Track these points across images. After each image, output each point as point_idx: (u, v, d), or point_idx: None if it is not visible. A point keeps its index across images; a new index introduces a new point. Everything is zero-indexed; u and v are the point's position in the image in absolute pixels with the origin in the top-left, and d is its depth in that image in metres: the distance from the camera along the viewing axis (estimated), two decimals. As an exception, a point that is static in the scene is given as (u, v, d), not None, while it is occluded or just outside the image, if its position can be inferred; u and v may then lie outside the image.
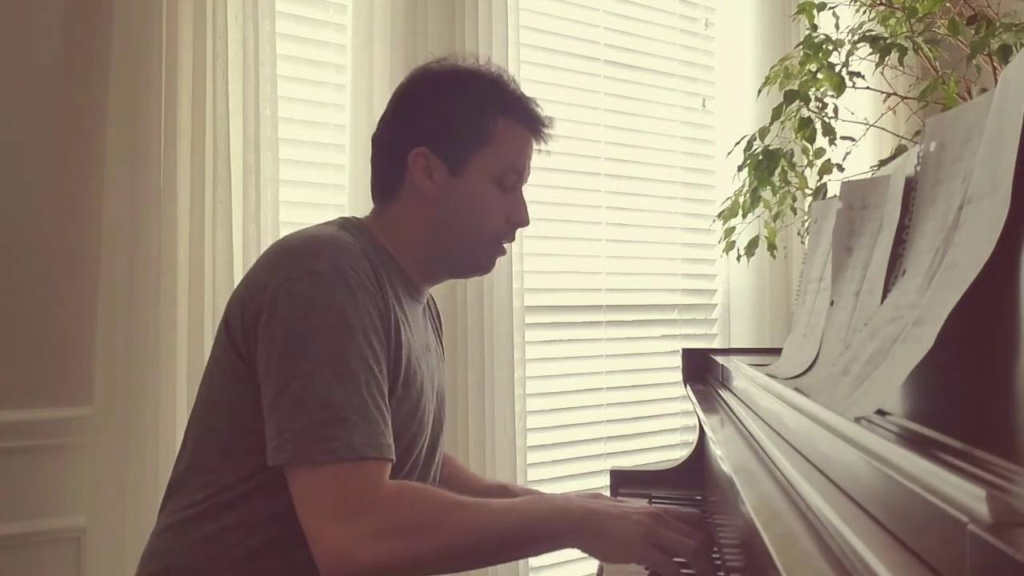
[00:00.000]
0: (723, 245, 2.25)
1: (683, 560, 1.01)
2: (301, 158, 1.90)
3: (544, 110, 1.26)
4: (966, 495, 0.41)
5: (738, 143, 2.19)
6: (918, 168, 0.79)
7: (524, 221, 1.23)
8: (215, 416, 1.09)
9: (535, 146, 1.25)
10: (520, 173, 1.22)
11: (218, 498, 1.07)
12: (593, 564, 1.20)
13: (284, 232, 1.70)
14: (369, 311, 1.03)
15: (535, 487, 2.20)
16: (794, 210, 2.16)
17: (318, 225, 1.19)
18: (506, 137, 1.20)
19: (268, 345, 1.02)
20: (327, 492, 0.96)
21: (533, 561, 2.14)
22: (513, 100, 1.22)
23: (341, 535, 0.94)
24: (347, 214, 1.85)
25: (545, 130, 1.25)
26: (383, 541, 0.94)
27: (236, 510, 1.05)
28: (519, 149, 1.22)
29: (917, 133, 2.23)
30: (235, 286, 1.59)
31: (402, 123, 1.22)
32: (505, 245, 1.25)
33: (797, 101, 1.99)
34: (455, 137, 1.18)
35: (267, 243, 1.67)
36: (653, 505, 1.08)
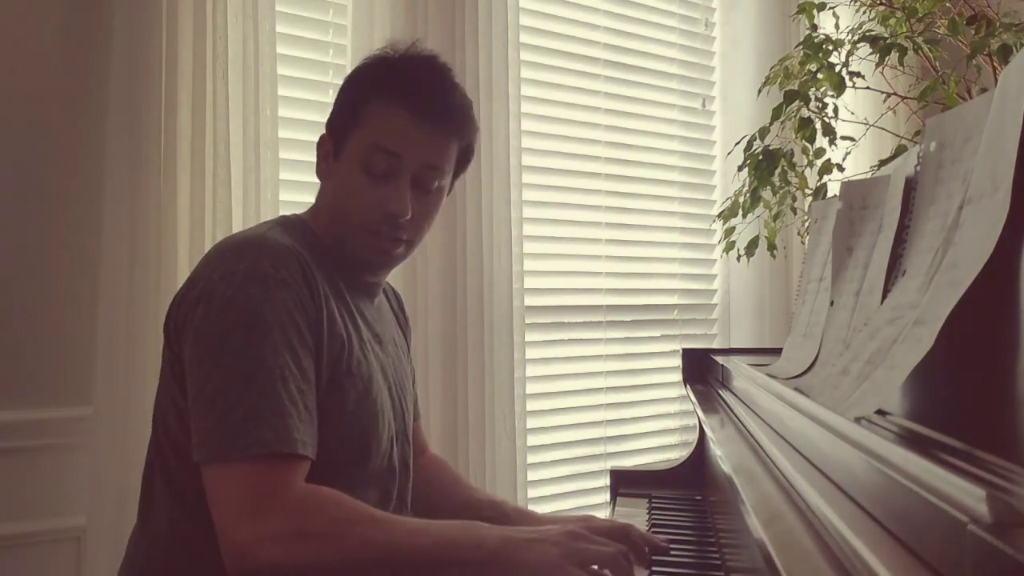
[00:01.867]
0: (723, 245, 2.25)
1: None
2: (301, 158, 1.90)
3: (438, 90, 1.15)
4: (966, 495, 0.41)
5: (738, 143, 2.19)
6: (918, 168, 0.79)
7: (395, 210, 1.12)
8: (166, 417, 1.10)
9: (430, 134, 1.14)
10: (395, 155, 1.12)
11: (180, 500, 1.07)
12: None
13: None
14: (288, 308, 1.03)
15: (535, 487, 2.22)
16: (794, 210, 2.16)
17: (256, 225, 1.21)
18: (375, 117, 1.13)
19: (191, 346, 1.03)
20: (235, 489, 0.96)
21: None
22: (392, 80, 1.14)
23: (245, 534, 0.94)
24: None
25: (438, 115, 1.14)
26: (284, 544, 0.94)
27: (200, 511, 1.04)
28: (389, 130, 1.12)
29: (917, 133, 2.23)
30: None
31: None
32: (398, 236, 1.15)
33: (797, 101, 1.99)
34: (336, 120, 1.18)
35: (267, 243, 1.67)
36: (577, 519, 1.07)
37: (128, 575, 1.12)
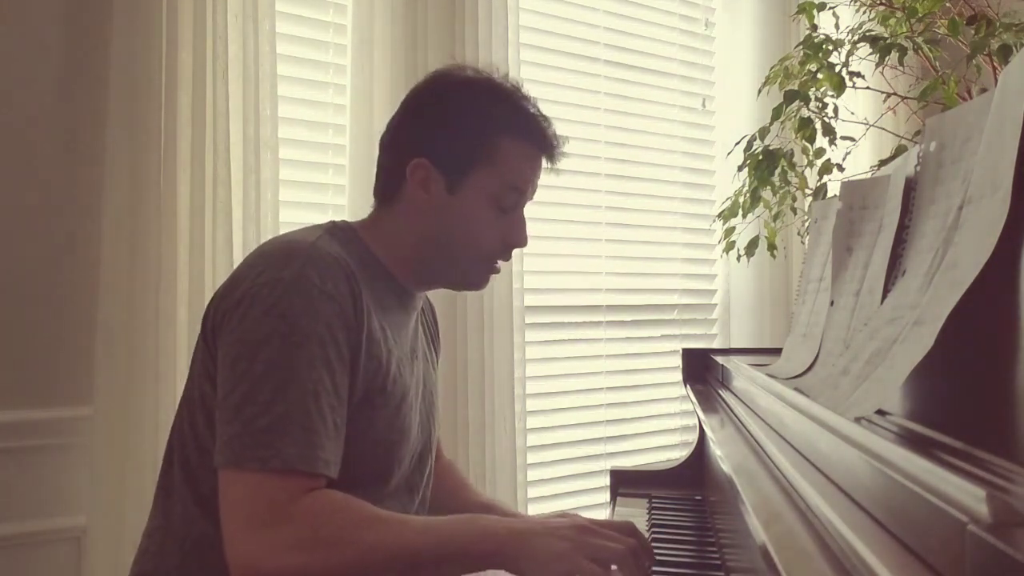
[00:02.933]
0: (723, 245, 2.25)
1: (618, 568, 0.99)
2: (301, 158, 1.90)
3: (554, 128, 1.22)
4: (966, 495, 0.41)
5: (738, 143, 2.19)
6: (918, 168, 0.79)
7: (521, 242, 1.20)
8: (192, 413, 1.09)
9: (543, 166, 1.21)
10: (522, 193, 1.18)
11: (198, 496, 1.07)
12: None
13: (284, 232, 1.71)
14: (330, 321, 1.02)
15: (535, 487, 2.22)
16: (794, 210, 2.16)
17: (303, 229, 1.18)
18: (510, 157, 1.16)
19: (225, 348, 1.02)
20: (247, 499, 0.95)
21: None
22: (522, 118, 1.18)
23: (252, 544, 0.93)
24: (347, 215, 1.86)
25: (554, 150, 1.20)
26: (293, 554, 0.93)
27: (217, 511, 1.05)
28: (522, 170, 1.17)
29: (917, 133, 2.23)
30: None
31: (408, 128, 1.20)
32: (499, 264, 1.22)
33: (797, 101, 1.99)
34: (457, 152, 1.15)
35: (267, 243, 1.67)
36: (583, 517, 1.07)
37: (142, 569, 1.11)
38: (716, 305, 2.80)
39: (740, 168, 2.16)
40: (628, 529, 1.04)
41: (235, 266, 1.59)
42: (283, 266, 1.03)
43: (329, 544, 0.95)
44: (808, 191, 2.16)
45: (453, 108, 1.17)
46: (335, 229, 1.16)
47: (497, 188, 1.15)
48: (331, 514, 0.97)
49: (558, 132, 1.22)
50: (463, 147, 1.15)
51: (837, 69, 1.99)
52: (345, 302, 1.04)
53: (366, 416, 1.07)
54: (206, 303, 1.59)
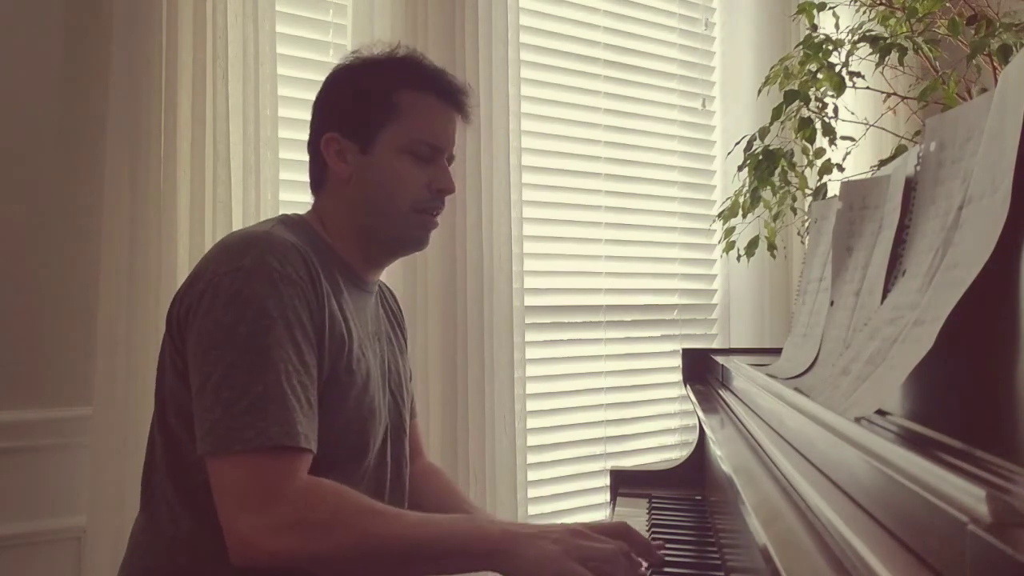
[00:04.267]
0: (723, 245, 2.25)
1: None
2: (301, 158, 1.90)
3: (455, 79, 1.25)
4: (966, 495, 0.41)
5: (738, 143, 2.19)
6: (918, 168, 0.79)
7: (447, 187, 1.22)
8: (165, 412, 1.11)
9: (453, 117, 1.24)
10: (435, 144, 1.21)
11: (180, 494, 1.08)
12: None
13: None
14: (294, 304, 1.04)
15: (535, 487, 2.21)
16: (794, 210, 2.16)
17: (259, 222, 1.22)
18: (412, 108, 1.20)
19: (194, 339, 1.04)
20: (240, 481, 0.97)
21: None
22: (417, 71, 1.23)
23: (248, 524, 0.95)
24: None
25: (458, 97, 1.24)
26: (288, 534, 0.95)
27: (200, 506, 1.05)
28: (429, 118, 1.21)
29: (917, 133, 2.23)
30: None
31: (315, 119, 1.25)
32: (437, 217, 1.24)
33: (797, 101, 1.99)
34: (361, 115, 1.20)
35: (267, 243, 1.67)
36: (574, 523, 1.07)
37: (130, 572, 1.12)
38: (716, 305, 2.80)
39: (740, 168, 2.16)
40: (620, 531, 1.04)
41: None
42: (242, 254, 1.06)
43: (326, 527, 0.96)
44: (808, 191, 2.16)
45: (348, 81, 1.23)
46: (287, 220, 1.20)
47: (407, 140, 1.19)
48: (324, 499, 0.99)
49: (459, 83, 1.25)
50: (363, 110, 1.20)
51: (837, 69, 1.99)
52: (305, 285, 1.07)
53: (335, 395, 1.09)
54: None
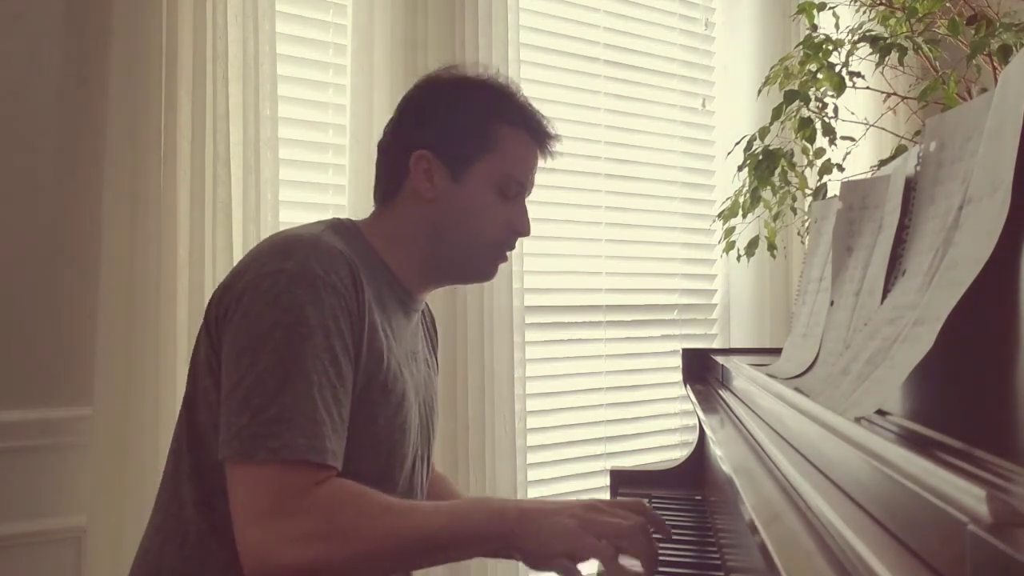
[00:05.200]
0: (723, 245, 2.25)
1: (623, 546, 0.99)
2: (301, 158, 1.90)
3: (551, 124, 1.25)
4: (966, 495, 0.41)
5: (738, 143, 2.19)
6: (918, 168, 0.79)
7: (525, 230, 1.23)
8: (195, 410, 1.09)
9: (540, 159, 1.24)
10: (522, 183, 1.21)
11: (203, 497, 1.06)
12: (594, 564, 1.20)
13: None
14: (335, 313, 1.02)
15: (535, 487, 2.21)
16: (794, 210, 2.16)
17: (308, 224, 1.18)
18: (510, 145, 1.19)
19: (229, 340, 1.02)
20: (258, 491, 0.95)
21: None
22: (519, 109, 1.21)
23: (262, 536, 0.93)
24: (347, 215, 1.85)
25: (550, 143, 1.24)
26: (304, 545, 0.93)
27: (221, 511, 1.03)
28: (522, 158, 1.21)
29: (917, 133, 2.23)
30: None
31: (406, 126, 1.21)
32: (507, 252, 1.24)
33: (797, 101, 1.99)
34: (459, 142, 1.17)
35: (267, 243, 1.67)
36: (591, 499, 1.06)
37: (143, 569, 1.10)
38: (716, 305, 2.80)
39: (740, 168, 2.16)
40: (637, 507, 1.04)
41: (234, 266, 1.60)
42: (286, 258, 1.03)
43: (343, 533, 0.95)
44: (808, 191, 2.16)
45: (452, 101, 1.20)
46: (339, 225, 1.17)
47: (499, 176, 1.18)
48: (343, 504, 0.97)
49: (553, 128, 1.25)
50: (464, 136, 1.18)
51: (837, 69, 1.98)
52: (348, 294, 1.04)
53: (366, 413, 1.06)
54: (206, 303, 1.59)
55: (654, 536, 1.01)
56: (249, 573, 0.94)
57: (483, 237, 1.19)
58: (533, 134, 1.22)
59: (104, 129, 1.57)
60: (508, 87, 1.23)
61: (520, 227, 1.22)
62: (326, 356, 1.00)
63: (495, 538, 0.99)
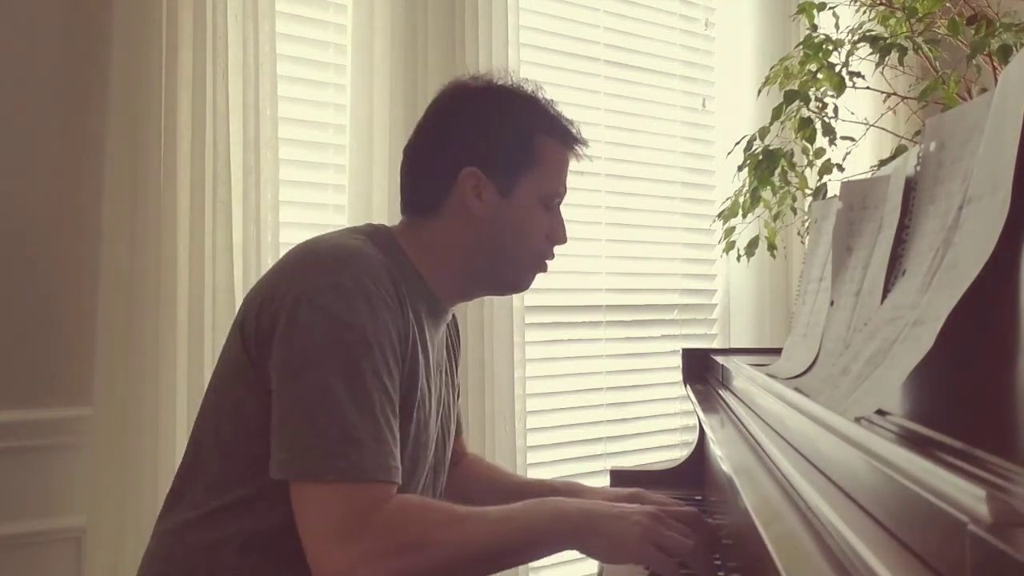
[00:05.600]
0: (723, 245, 2.25)
1: (682, 560, 1.01)
2: (301, 158, 1.90)
3: (579, 128, 1.26)
4: (966, 495, 0.41)
5: (738, 143, 2.19)
6: (918, 168, 0.79)
7: (563, 239, 1.24)
8: (219, 419, 1.08)
9: (570, 165, 1.25)
10: (562, 194, 1.23)
11: (217, 505, 1.05)
12: (593, 565, 1.20)
13: (284, 232, 1.71)
14: (388, 329, 1.02)
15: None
16: (794, 210, 2.16)
17: (344, 231, 1.17)
18: (550, 158, 1.20)
19: (285, 355, 1.00)
20: (331, 512, 0.95)
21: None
22: (555, 120, 1.22)
23: (341, 556, 0.93)
24: (347, 214, 1.85)
25: (583, 149, 1.25)
26: (382, 561, 0.94)
27: (234, 520, 1.04)
28: (561, 169, 1.22)
29: (917, 133, 2.23)
30: (235, 286, 1.60)
31: (449, 140, 1.20)
32: (547, 263, 1.25)
33: (797, 101, 1.99)
34: (506, 159, 1.18)
35: (267, 243, 1.66)
36: (651, 506, 1.08)
37: (148, 572, 1.10)
38: (716, 305, 2.80)
39: (740, 168, 2.16)
40: (693, 520, 1.06)
41: (235, 266, 1.61)
42: (338, 271, 1.02)
43: (417, 547, 0.96)
44: (808, 191, 2.16)
45: (494, 116, 1.20)
46: (376, 236, 1.15)
47: (544, 189, 1.19)
48: (414, 518, 0.98)
49: (582, 134, 1.26)
50: (509, 152, 1.18)
51: (837, 69, 1.98)
52: (396, 309, 1.05)
53: (402, 428, 1.06)
54: (206, 303, 1.60)
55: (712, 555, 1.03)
56: None
57: (529, 250, 1.21)
58: (567, 142, 1.23)
59: (104, 129, 1.57)
60: (541, 97, 1.24)
61: (559, 237, 1.23)
62: (384, 373, 1.00)
63: (560, 539, 1.02)
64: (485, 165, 1.16)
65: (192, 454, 1.11)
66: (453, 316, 1.35)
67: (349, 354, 0.98)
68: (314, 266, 1.04)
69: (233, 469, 1.05)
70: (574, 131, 1.23)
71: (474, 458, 1.46)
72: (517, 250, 1.20)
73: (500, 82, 1.23)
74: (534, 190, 1.18)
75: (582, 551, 1.03)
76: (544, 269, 1.25)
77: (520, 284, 1.26)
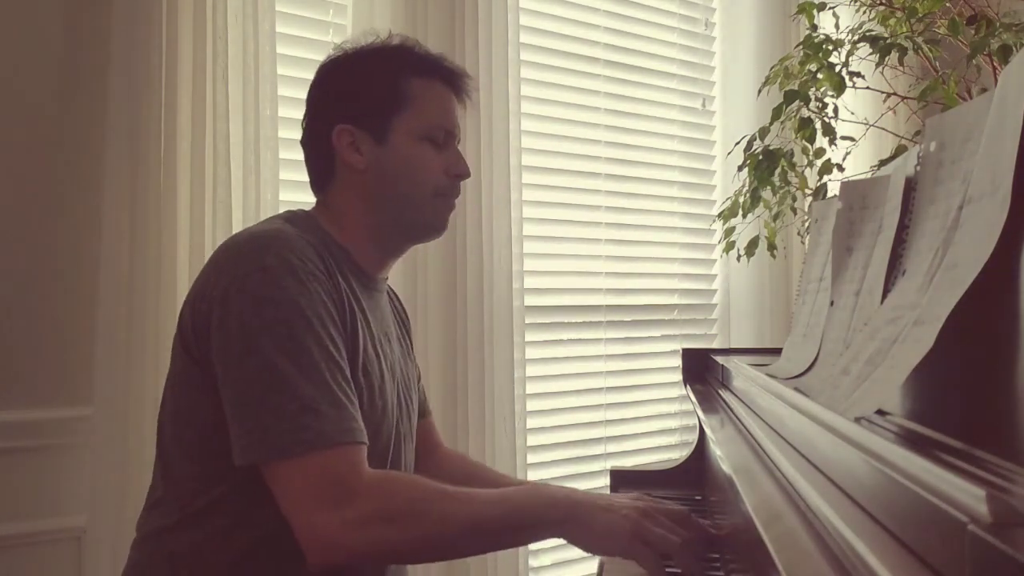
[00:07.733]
0: (723, 245, 2.25)
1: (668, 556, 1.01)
2: (301, 158, 1.90)
3: (454, 63, 1.26)
4: (966, 495, 0.41)
5: (738, 143, 2.19)
6: (918, 168, 0.79)
7: (464, 171, 1.23)
8: (179, 425, 1.09)
9: (457, 101, 1.24)
10: (447, 129, 1.21)
11: (191, 507, 1.06)
12: (593, 564, 1.20)
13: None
14: (323, 300, 1.03)
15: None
16: (794, 210, 2.16)
17: (262, 221, 1.20)
18: (424, 95, 1.20)
19: (224, 345, 1.01)
20: (307, 482, 0.95)
21: (533, 561, 2.14)
22: (423, 59, 1.22)
23: (327, 523, 0.94)
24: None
25: (462, 81, 1.24)
26: (370, 527, 0.94)
27: (211, 519, 1.04)
28: (440, 105, 1.21)
29: (917, 133, 2.23)
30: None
31: (317, 110, 1.23)
32: (454, 201, 1.24)
33: (797, 101, 1.99)
34: (372, 106, 1.19)
35: (267, 243, 1.66)
36: (641, 499, 1.07)
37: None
38: (716, 305, 2.80)
39: (740, 168, 2.16)
40: (683, 519, 1.06)
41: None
42: (262, 254, 1.03)
43: (404, 516, 0.96)
44: (808, 191, 2.16)
45: (355, 70, 1.21)
46: (293, 217, 1.17)
47: (422, 127, 1.19)
48: (398, 488, 0.99)
49: (460, 67, 1.26)
50: (376, 99, 1.19)
51: (837, 69, 1.98)
52: (327, 280, 1.06)
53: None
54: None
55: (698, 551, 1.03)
56: (317, 562, 0.95)
57: (423, 189, 1.19)
58: (444, 80, 1.22)
59: (104, 129, 1.57)
60: (404, 42, 1.24)
61: (458, 170, 1.22)
62: (328, 342, 1.01)
63: (548, 526, 1.01)
64: (355, 119, 1.18)
65: (160, 462, 1.12)
66: (393, 291, 1.37)
67: (289, 331, 0.99)
68: (236, 256, 1.06)
69: (202, 470, 1.05)
70: (447, 65, 1.23)
71: (455, 453, 1.45)
72: (411, 189, 1.19)
73: (364, 42, 1.24)
74: (411, 130, 1.18)
75: (569, 540, 1.02)
76: (451, 207, 1.23)
77: (432, 222, 1.23)
